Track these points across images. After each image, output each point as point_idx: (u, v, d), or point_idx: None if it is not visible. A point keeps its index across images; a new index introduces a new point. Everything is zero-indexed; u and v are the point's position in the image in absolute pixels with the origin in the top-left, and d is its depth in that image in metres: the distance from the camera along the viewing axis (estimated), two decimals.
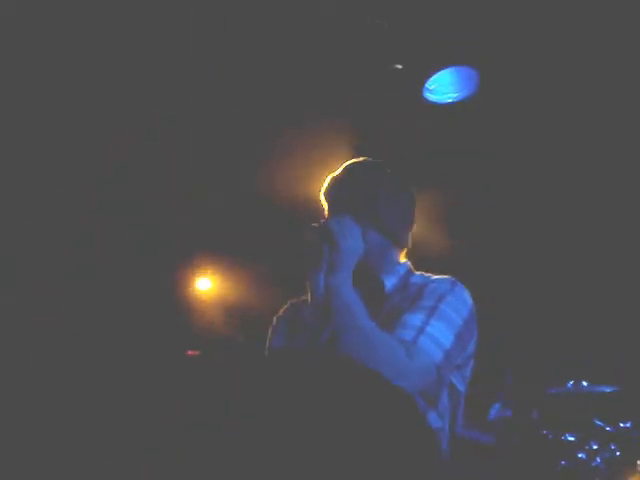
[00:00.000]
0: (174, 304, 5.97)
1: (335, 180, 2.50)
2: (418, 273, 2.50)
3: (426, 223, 2.62)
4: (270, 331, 2.59)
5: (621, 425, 4.63)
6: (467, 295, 2.39)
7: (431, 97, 4.64)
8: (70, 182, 4.94)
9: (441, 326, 2.26)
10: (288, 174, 5.03)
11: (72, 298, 5.06)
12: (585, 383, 4.75)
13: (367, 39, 4.39)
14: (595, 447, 4.58)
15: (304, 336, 2.39)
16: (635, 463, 4.46)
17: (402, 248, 2.52)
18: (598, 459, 4.52)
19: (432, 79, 4.54)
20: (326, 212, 2.50)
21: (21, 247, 4.88)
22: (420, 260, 2.59)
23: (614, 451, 4.55)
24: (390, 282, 2.46)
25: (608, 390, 4.73)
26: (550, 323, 5.35)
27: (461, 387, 2.41)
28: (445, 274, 2.47)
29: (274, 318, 2.62)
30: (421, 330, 2.23)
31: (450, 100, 4.65)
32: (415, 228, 2.55)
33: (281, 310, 2.63)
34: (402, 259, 2.53)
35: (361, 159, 2.56)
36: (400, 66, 4.55)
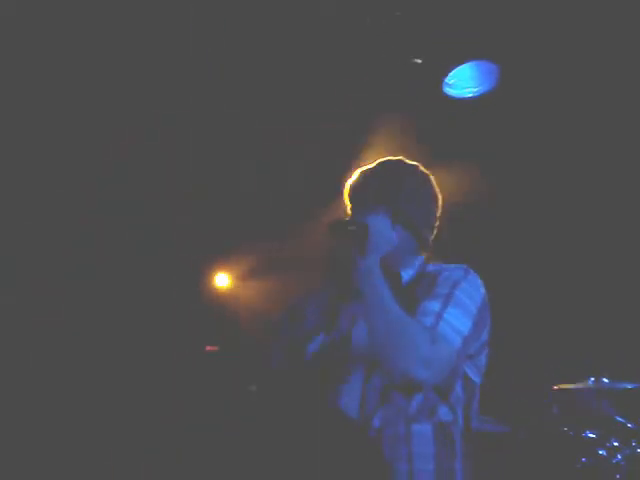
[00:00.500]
0: (194, 301, 5.99)
1: (368, 175, 2.52)
2: (433, 263, 2.52)
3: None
4: (293, 314, 2.59)
5: None
6: (480, 282, 2.41)
7: (451, 91, 4.63)
8: (93, 180, 4.96)
9: (457, 313, 2.28)
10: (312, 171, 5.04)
11: (86, 296, 5.09)
12: (606, 379, 4.73)
13: (388, 34, 4.39)
14: (616, 444, 4.56)
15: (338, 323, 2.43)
16: None
17: (424, 247, 2.54)
18: (619, 456, 4.50)
19: (452, 74, 4.53)
20: (350, 204, 2.52)
21: (36, 248, 4.91)
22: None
23: (635, 448, 4.52)
24: (407, 274, 2.48)
25: (630, 387, 4.70)
26: (572, 319, 5.32)
27: (476, 378, 2.41)
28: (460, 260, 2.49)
29: (296, 301, 2.63)
30: (439, 316, 2.26)
31: (470, 95, 4.63)
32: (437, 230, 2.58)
33: (303, 296, 2.64)
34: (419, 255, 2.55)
35: (394, 157, 2.58)
36: (420, 60, 4.54)
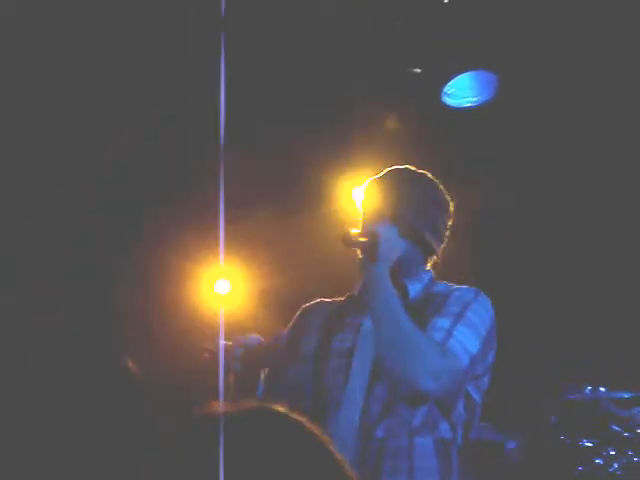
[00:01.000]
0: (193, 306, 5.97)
1: (377, 185, 2.52)
2: (441, 283, 2.51)
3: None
4: (299, 323, 2.59)
5: (639, 431, 4.61)
6: (490, 305, 2.42)
7: (449, 101, 4.64)
8: (90, 180, 4.94)
9: (467, 332, 2.29)
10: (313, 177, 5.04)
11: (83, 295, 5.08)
12: (603, 389, 4.73)
13: (386, 43, 4.40)
14: (612, 453, 4.56)
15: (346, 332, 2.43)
16: None
17: (431, 256, 2.54)
18: (615, 465, 4.51)
19: (450, 83, 4.55)
20: (362, 213, 2.53)
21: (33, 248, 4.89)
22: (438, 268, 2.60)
23: (631, 457, 4.53)
24: (414, 289, 2.47)
25: (626, 396, 4.70)
26: (569, 328, 5.33)
27: (477, 398, 2.42)
28: (465, 281, 2.50)
29: (302, 311, 2.62)
30: (449, 333, 2.27)
31: (468, 104, 4.65)
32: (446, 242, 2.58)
33: (309, 305, 2.64)
34: (427, 267, 2.55)
35: (404, 167, 2.58)
36: (419, 70, 4.55)
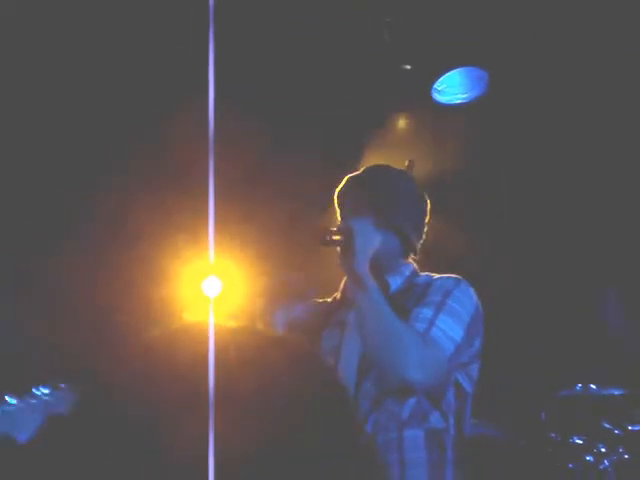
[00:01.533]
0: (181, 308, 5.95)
1: (355, 181, 2.53)
2: (423, 274, 2.52)
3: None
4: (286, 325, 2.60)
5: (629, 428, 4.61)
6: (472, 291, 2.42)
7: (440, 98, 4.64)
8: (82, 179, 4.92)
9: (450, 321, 2.29)
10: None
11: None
12: (594, 386, 4.74)
13: (377, 40, 4.39)
14: (603, 450, 4.57)
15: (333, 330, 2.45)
16: None
17: (411, 251, 2.54)
18: (606, 462, 4.51)
19: (441, 80, 4.54)
20: (339, 210, 2.54)
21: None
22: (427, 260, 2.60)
23: (622, 454, 4.53)
24: (395, 283, 2.47)
25: (617, 393, 4.71)
26: (559, 325, 5.33)
27: (468, 387, 2.42)
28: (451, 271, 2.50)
29: (295, 310, 2.64)
30: (432, 323, 2.27)
31: (459, 101, 4.64)
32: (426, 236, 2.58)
33: (295, 306, 2.66)
34: (408, 261, 2.55)
35: (382, 164, 2.60)
36: (409, 67, 4.55)
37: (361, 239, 2.29)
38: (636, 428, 4.61)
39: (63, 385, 2.18)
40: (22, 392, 2.06)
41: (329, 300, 2.60)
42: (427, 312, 2.30)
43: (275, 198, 5.03)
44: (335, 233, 2.36)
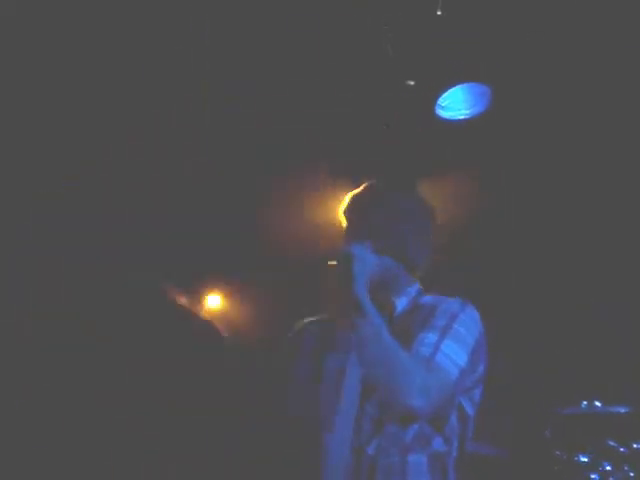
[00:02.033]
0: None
1: (356, 201, 2.51)
2: (429, 295, 2.49)
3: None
4: (291, 347, 2.57)
5: (635, 446, 4.59)
6: (477, 316, 2.39)
7: (443, 114, 4.63)
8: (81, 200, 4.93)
9: (455, 346, 2.26)
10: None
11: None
12: (599, 403, 4.72)
13: (380, 55, 4.40)
14: (608, 468, 4.55)
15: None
16: None
17: (414, 270, 2.51)
18: None
19: (444, 96, 4.54)
20: (345, 231, 2.51)
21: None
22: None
23: (627, 472, 4.52)
24: (401, 304, 2.45)
25: (622, 410, 4.69)
26: (564, 343, 5.32)
27: (470, 410, 2.39)
28: (455, 290, 2.47)
29: (292, 333, 2.61)
30: (437, 348, 2.24)
31: (462, 117, 4.64)
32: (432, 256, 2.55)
33: (299, 327, 2.61)
34: (413, 280, 2.52)
35: (381, 181, 2.56)
36: (412, 82, 4.54)
37: (359, 265, 2.25)
38: None
39: None
40: None
41: (329, 318, 2.55)
42: (432, 337, 2.26)
43: None
44: (334, 258, 2.31)
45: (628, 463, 4.55)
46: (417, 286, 2.50)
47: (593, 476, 4.56)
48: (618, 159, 5.00)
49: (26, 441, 4.73)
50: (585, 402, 4.74)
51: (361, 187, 2.54)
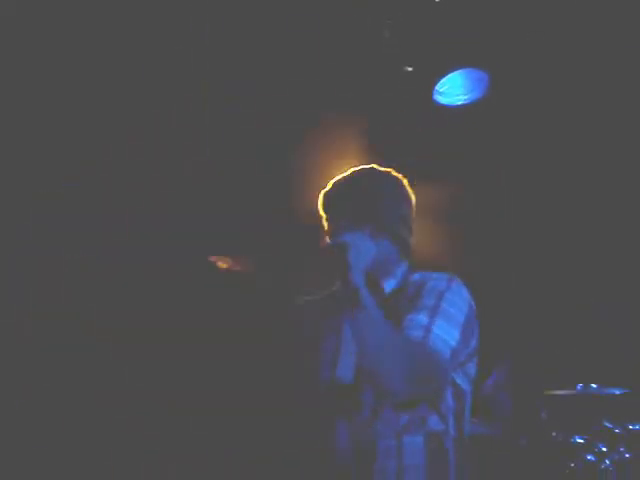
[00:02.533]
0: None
1: (341, 186, 2.49)
2: (416, 273, 2.48)
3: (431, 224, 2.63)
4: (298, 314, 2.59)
5: (630, 427, 4.62)
6: (465, 291, 2.39)
7: (441, 99, 4.65)
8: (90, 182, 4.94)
9: (445, 325, 2.26)
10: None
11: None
12: (594, 385, 4.74)
13: (378, 41, 4.41)
14: (604, 449, 4.58)
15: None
16: None
17: (406, 252, 2.51)
18: (607, 461, 4.52)
19: (442, 81, 4.55)
20: (326, 216, 2.49)
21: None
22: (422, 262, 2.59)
23: (623, 453, 4.54)
24: (389, 285, 2.45)
25: (617, 392, 4.72)
26: (560, 325, 5.35)
27: (466, 386, 2.40)
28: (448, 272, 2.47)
29: (297, 304, 2.61)
30: (428, 330, 2.23)
31: (460, 102, 4.66)
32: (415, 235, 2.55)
33: (302, 300, 2.62)
34: (402, 261, 2.52)
35: (366, 166, 2.54)
36: (410, 68, 4.56)
37: (355, 253, 2.23)
38: (637, 427, 4.62)
39: None
40: None
41: (322, 297, 2.55)
42: (422, 318, 2.25)
43: None
44: (329, 247, 2.30)
45: (624, 444, 4.58)
46: (404, 266, 2.49)
47: (589, 457, 4.58)
48: (619, 152, 5.01)
49: (26, 441, 4.76)
50: (581, 384, 4.76)
51: (348, 172, 2.51)
